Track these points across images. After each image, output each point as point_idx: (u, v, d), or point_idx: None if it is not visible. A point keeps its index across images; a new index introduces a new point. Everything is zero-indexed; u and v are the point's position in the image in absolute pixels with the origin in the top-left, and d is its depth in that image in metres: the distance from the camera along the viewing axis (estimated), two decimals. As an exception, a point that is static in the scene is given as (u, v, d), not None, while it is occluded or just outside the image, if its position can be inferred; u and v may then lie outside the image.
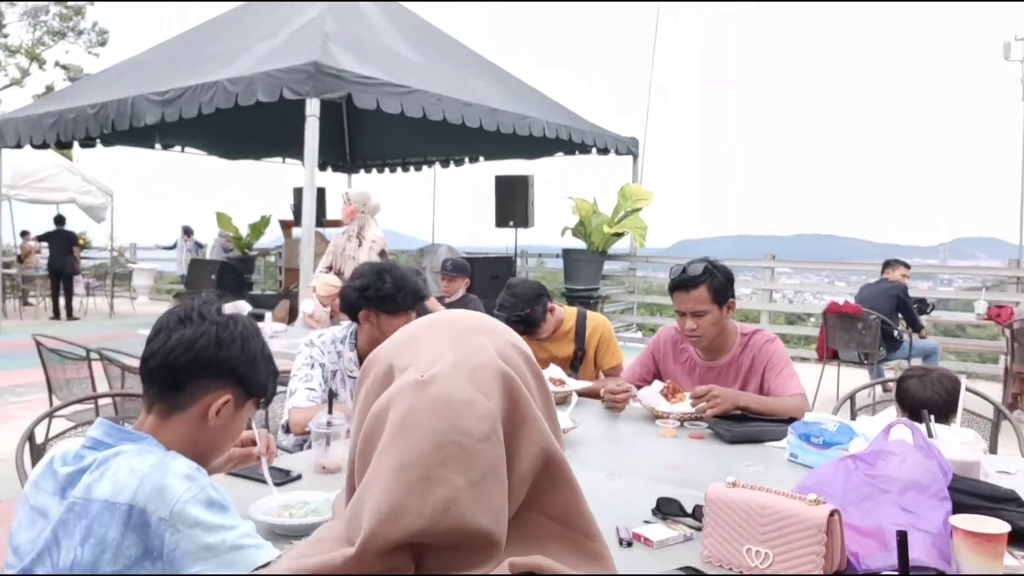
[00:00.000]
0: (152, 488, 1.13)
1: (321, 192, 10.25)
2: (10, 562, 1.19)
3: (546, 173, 10.96)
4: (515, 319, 2.95)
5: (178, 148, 10.83)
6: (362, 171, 12.81)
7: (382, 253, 5.46)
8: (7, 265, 11.28)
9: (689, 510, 1.58)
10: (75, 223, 11.90)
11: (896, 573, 1.23)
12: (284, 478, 1.80)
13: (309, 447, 2.33)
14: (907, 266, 6.54)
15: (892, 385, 3.22)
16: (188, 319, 1.29)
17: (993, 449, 2.54)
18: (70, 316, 11.00)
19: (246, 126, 9.18)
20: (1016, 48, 8.39)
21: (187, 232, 12.96)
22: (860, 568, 1.30)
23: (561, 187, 10.47)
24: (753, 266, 9.71)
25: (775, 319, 9.54)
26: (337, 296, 5.06)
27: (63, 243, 10.89)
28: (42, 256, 12.06)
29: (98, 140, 9.41)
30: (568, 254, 9.37)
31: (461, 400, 0.72)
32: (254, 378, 1.33)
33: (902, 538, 1.02)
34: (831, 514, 1.28)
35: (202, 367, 1.27)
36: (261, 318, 5.34)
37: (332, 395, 1.99)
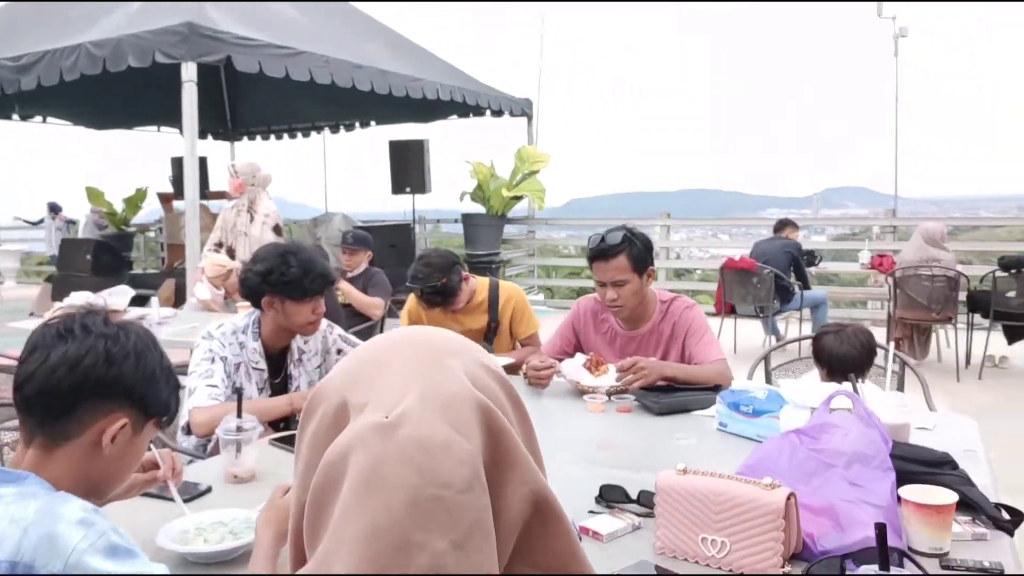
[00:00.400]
0: (39, 538, 0.96)
1: (203, 162, 9.67)
2: None
3: (441, 137, 10.76)
4: (430, 290, 2.83)
5: (39, 119, 9.93)
6: (245, 138, 12.17)
7: (276, 228, 5.18)
8: None
9: (633, 496, 1.53)
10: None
11: (841, 556, 1.22)
12: (192, 493, 1.62)
13: (214, 448, 2.15)
14: (797, 227, 6.90)
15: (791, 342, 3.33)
16: (69, 333, 1.10)
17: (901, 402, 2.63)
18: (-75, 306, 10.02)
19: (115, 93, 8.49)
20: (888, 5, 8.77)
21: (53, 209, 11.97)
22: (816, 550, 1.27)
23: (457, 151, 10.29)
24: (649, 224, 9.88)
25: (667, 275, 9.77)
26: (228, 276, 4.79)
27: None
28: None
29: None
30: (468, 219, 9.24)
31: (436, 444, 0.60)
32: (153, 396, 1.15)
33: (881, 531, 0.98)
34: (788, 498, 1.24)
35: (91, 389, 1.09)
36: (146, 301, 4.98)
37: (240, 394, 1.81)
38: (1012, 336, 6.03)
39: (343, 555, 0.57)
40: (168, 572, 1.05)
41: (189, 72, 5.86)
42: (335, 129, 11.69)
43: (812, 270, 6.93)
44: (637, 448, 1.98)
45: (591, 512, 1.50)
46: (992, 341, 5.92)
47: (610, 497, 1.54)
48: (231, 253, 5.17)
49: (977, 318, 6.15)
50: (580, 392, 2.39)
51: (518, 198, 9.09)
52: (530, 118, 10.04)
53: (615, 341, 2.66)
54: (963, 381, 5.74)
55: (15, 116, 9.52)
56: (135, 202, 11.26)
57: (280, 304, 2.24)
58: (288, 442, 1.98)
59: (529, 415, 0.72)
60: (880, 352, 2.43)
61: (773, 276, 6.01)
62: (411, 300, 3.07)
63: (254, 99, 10.48)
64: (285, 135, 12.05)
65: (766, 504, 1.23)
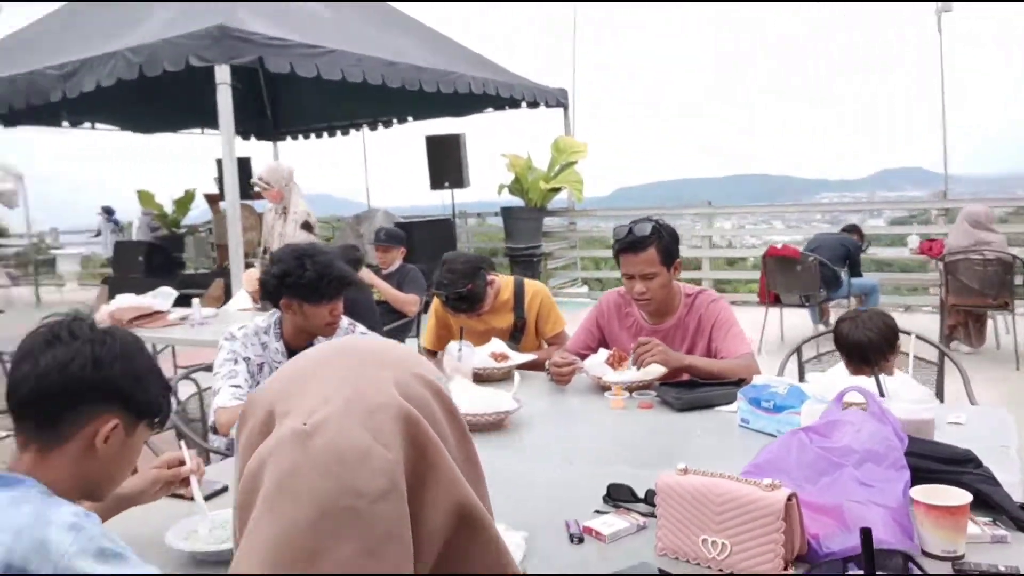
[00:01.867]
0: (31, 543, 0.98)
1: (245, 162, 9.83)
2: None
3: (479, 130, 10.75)
4: (456, 297, 2.80)
5: (88, 124, 10.22)
6: (288, 138, 12.36)
7: (306, 224, 5.19)
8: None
9: (641, 494, 1.50)
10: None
11: (843, 559, 1.17)
12: (209, 491, 1.65)
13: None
14: (863, 234, 6.92)
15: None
16: (57, 339, 1.12)
17: (940, 395, 2.54)
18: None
19: (157, 96, 8.68)
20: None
21: (107, 212, 12.33)
22: (821, 552, 1.23)
23: (496, 144, 10.27)
24: (692, 213, 9.75)
25: (716, 264, 9.60)
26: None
27: None
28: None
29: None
30: (507, 212, 9.21)
31: (354, 452, 0.59)
32: (143, 398, 1.17)
33: (866, 536, 0.94)
34: (788, 499, 1.20)
35: (81, 392, 1.11)
36: (188, 302, 5.08)
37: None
38: (1071, 321, 5.78)
39: (252, 564, 0.57)
40: (159, 572, 1.06)
41: (223, 74, 5.95)
42: (373, 126, 11.78)
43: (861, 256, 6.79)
44: (655, 446, 1.94)
45: (596, 511, 1.48)
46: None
47: (617, 496, 1.51)
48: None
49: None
50: (602, 388, 2.36)
51: (556, 190, 9.03)
52: (566, 108, 9.97)
53: (640, 335, 2.62)
54: (1022, 370, 5.52)
55: (65, 123, 9.81)
56: (184, 204, 11.51)
57: (298, 306, 2.26)
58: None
59: (467, 429, 0.70)
60: (912, 340, 2.35)
61: (818, 264, 5.86)
62: (437, 301, 3.07)
63: (294, 98, 10.62)
64: (325, 133, 12.20)
65: (766, 505, 1.19)
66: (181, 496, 1.58)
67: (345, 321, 2.53)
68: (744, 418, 1.99)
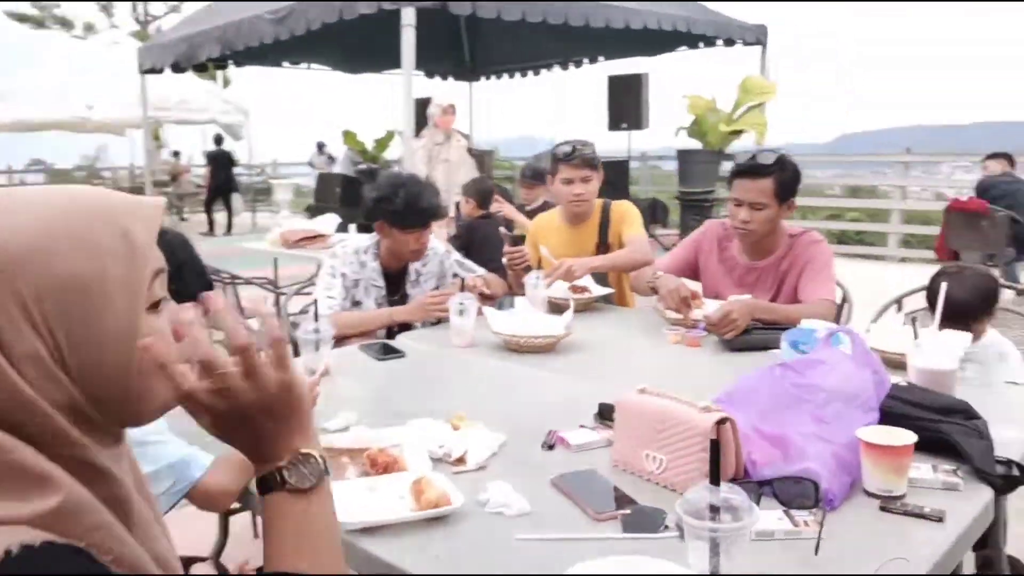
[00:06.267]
0: None
1: (426, 102, 10.34)
2: None
3: (671, 71, 10.50)
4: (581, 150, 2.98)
5: (304, 65, 11.20)
6: (482, 78, 12.76)
7: (470, 150, 5.73)
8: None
9: (628, 416, 1.58)
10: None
11: (758, 481, 1.21)
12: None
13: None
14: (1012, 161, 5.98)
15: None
16: None
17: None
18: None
19: (364, 39, 9.30)
20: None
21: (320, 148, 13.56)
22: (754, 476, 1.27)
23: (688, 86, 9.96)
24: (892, 161, 8.99)
25: (910, 218, 8.81)
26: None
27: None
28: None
29: (231, 62, 9.90)
30: (683, 155, 8.99)
31: None
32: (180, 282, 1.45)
33: (714, 446, 0.99)
34: (720, 422, 1.25)
35: None
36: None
37: (314, 303, 2.09)
38: None
39: None
40: None
41: (408, 17, 6.31)
42: (565, 66, 11.83)
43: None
44: (688, 379, 1.99)
45: (582, 426, 1.59)
46: None
47: (606, 415, 1.60)
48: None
49: None
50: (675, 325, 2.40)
51: (737, 133, 8.66)
52: (764, 46, 9.41)
53: (734, 271, 2.60)
54: None
55: (285, 64, 10.83)
56: (384, 142, 12.36)
57: (388, 230, 2.50)
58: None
59: None
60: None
61: (1009, 220, 5.26)
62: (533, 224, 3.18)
63: (493, 40, 10.91)
64: (518, 74, 12.42)
65: (695, 426, 1.25)
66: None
67: (441, 248, 2.75)
68: (784, 360, 1.96)
